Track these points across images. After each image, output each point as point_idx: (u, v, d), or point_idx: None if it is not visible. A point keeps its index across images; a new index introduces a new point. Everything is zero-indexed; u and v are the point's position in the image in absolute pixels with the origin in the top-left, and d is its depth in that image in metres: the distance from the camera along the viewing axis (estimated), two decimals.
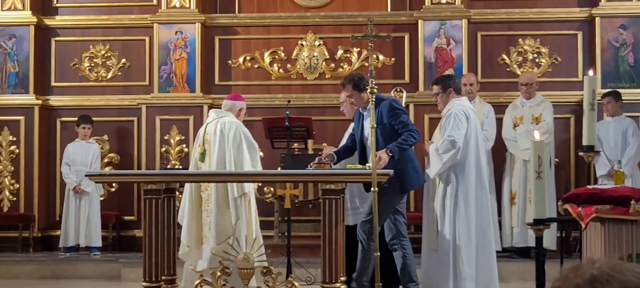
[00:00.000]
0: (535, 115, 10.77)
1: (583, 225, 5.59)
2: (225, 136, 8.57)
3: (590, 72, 6.11)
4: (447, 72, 10.92)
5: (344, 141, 8.55)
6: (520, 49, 11.87)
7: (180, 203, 8.85)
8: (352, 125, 8.47)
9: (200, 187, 8.61)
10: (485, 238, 7.93)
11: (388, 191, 7.62)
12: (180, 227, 8.48)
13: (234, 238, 7.94)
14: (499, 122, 10.86)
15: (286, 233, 9.11)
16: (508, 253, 10.83)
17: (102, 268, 10.92)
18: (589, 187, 6.13)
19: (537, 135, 5.37)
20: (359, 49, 12.06)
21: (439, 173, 7.89)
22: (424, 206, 8.34)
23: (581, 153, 5.84)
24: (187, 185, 8.73)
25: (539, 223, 5.30)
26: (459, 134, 7.84)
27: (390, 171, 7.59)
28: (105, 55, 12.38)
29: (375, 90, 7.36)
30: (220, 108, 9.12)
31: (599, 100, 9.60)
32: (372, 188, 6.99)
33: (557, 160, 11.19)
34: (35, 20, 12.11)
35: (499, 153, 11.00)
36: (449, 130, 7.87)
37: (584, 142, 5.73)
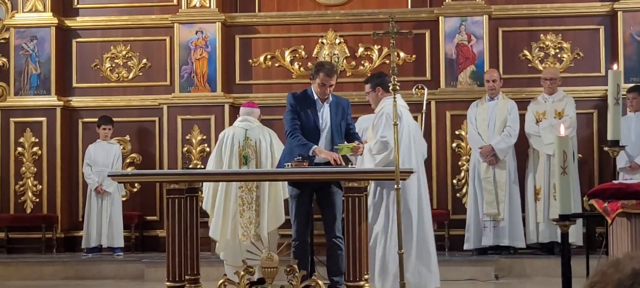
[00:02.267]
0: (558, 110, 10.72)
1: (609, 221, 5.54)
2: (274, 144, 9.55)
3: (615, 67, 6.07)
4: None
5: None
6: (541, 45, 11.81)
7: (202, 203, 9.09)
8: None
9: (239, 188, 9.36)
10: (424, 234, 8.12)
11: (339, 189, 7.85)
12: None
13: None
14: (522, 118, 10.81)
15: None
16: (532, 249, 10.79)
17: (125, 269, 10.94)
18: (615, 182, 6.08)
19: (562, 130, 5.32)
20: (379, 47, 12.02)
21: None
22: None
23: (606, 148, 5.79)
24: (221, 185, 9.45)
25: (565, 219, 5.26)
26: (392, 134, 7.67)
27: (413, 168, 7.60)
28: (126, 55, 12.40)
29: (398, 88, 7.34)
30: (245, 112, 9.86)
31: (623, 95, 9.54)
32: (395, 186, 6.97)
33: (580, 155, 11.13)
34: (56, 21, 12.14)
35: (522, 149, 10.95)
36: (382, 130, 7.97)
37: (609, 137, 5.69)
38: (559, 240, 8.52)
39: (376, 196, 8.14)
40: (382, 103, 8.25)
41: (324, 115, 8.03)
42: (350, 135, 8.11)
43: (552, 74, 10.96)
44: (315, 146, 7.78)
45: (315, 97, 8.02)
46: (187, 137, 11.93)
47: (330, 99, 8.06)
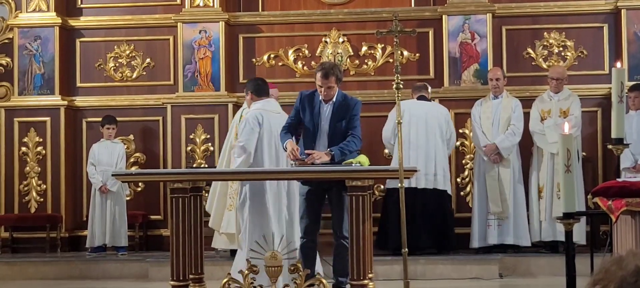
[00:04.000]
0: (563, 108, 10.70)
1: (613, 219, 5.54)
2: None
3: (618, 64, 6.05)
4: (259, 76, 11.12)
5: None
6: (545, 43, 11.79)
7: (206, 202, 9.27)
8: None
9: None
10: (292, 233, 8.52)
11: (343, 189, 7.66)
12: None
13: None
14: (526, 116, 10.80)
15: None
16: (536, 248, 10.78)
17: (129, 268, 10.94)
18: (619, 180, 6.08)
19: (566, 128, 5.31)
20: (383, 45, 12.02)
21: None
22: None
23: (610, 146, 5.77)
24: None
25: (569, 217, 5.25)
26: (249, 139, 8.45)
27: (417, 167, 7.60)
28: (130, 55, 12.40)
29: (401, 86, 7.34)
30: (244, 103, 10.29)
31: (626, 93, 9.51)
32: (399, 185, 6.97)
33: (584, 153, 11.12)
34: (60, 21, 12.14)
35: (526, 148, 10.94)
36: (240, 135, 8.58)
37: (613, 135, 5.66)
38: (563, 239, 8.52)
39: (242, 197, 8.60)
40: (252, 107, 8.77)
41: (325, 116, 7.97)
42: (347, 136, 7.90)
43: (559, 73, 10.93)
44: (288, 140, 7.82)
45: (320, 97, 7.99)
46: (191, 137, 11.93)
47: (336, 99, 7.97)
